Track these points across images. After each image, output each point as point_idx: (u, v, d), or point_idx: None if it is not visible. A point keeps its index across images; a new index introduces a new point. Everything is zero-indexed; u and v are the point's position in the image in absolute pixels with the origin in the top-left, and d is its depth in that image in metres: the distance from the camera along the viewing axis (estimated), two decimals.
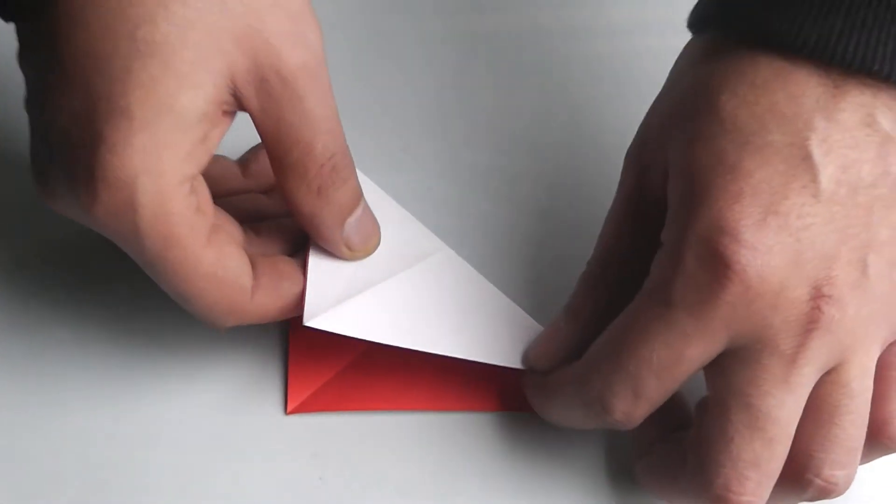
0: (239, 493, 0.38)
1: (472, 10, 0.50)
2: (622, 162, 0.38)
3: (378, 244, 0.40)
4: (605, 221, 0.39)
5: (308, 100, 0.35)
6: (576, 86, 0.48)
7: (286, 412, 0.40)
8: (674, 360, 0.34)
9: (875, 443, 0.35)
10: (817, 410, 0.34)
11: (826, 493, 0.35)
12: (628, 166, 0.38)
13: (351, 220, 0.38)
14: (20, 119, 0.36)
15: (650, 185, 0.37)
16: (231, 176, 0.42)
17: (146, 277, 0.39)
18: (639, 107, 0.38)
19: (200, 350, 0.41)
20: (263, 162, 0.41)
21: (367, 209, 0.39)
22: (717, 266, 0.33)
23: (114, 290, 0.41)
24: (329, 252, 0.40)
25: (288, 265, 0.39)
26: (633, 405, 0.35)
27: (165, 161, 0.33)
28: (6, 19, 0.34)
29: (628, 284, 0.36)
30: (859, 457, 0.35)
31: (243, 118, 0.35)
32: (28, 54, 0.34)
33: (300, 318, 0.39)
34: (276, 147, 0.36)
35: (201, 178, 0.35)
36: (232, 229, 0.38)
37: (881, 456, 0.36)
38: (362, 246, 0.39)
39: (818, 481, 0.34)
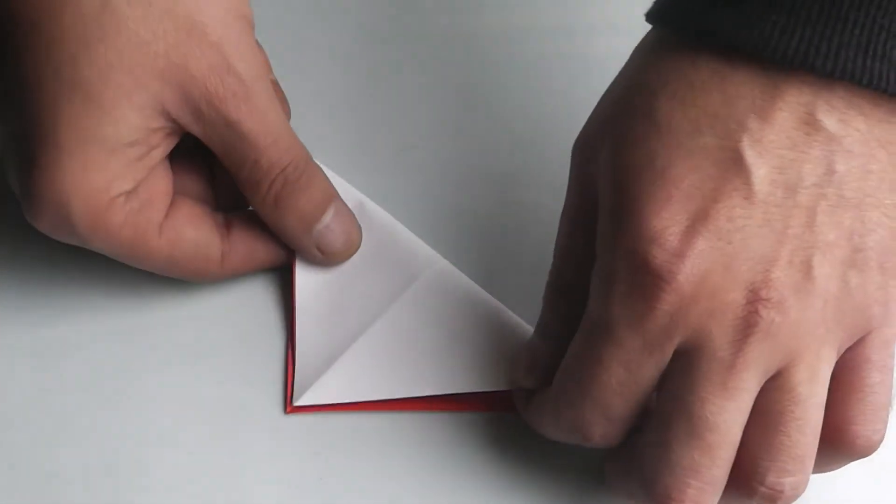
0: (239, 493, 0.38)
1: (474, 9, 0.50)
2: None
3: (358, 246, 0.41)
4: (559, 222, 0.38)
5: (244, 122, 0.38)
6: (579, 85, 0.48)
7: (286, 411, 0.40)
8: (632, 378, 0.34)
9: (835, 449, 0.34)
10: (762, 416, 0.34)
11: (773, 501, 0.34)
12: (573, 160, 0.37)
13: (319, 227, 0.40)
14: None
15: (590, 183, 0.36)
16: None
17: (145, 275, 0.40)
18: None
19: (201, 349, 0.41)
20: None
21: (342, 213, 0.41)
22: (648, 278, 0.33)
23: (113, 289, 0.41)
24: (314, 312, 0.41)
25: (261, 224, 0.41)
26: (607, 427, 0.35)
27: (93, 183, 0.36)
28: None
29: (587, 289, 0.35)
30: (809, 464, 0.34)
31: None
32: None
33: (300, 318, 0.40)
34: (227, 165, 0.39)
35: (153, 173, 0.38)
36: (197, 206, 0.40)
37: (847, 462, 0.35)
38: (338, 249, 0.41)
39: (763, 489, 0.34)
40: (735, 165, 0.32)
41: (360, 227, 0.41)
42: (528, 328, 0.40)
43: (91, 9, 0.35)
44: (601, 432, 0.35)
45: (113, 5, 0.35)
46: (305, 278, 0.41)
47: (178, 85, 0.37)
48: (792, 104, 0.32)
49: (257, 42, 0.40)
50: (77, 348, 0.41)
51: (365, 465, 0.39)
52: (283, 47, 0.48)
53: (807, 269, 0.33)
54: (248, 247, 0.41)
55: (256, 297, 0.42)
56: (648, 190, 0.33)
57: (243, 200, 0.40)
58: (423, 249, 0.42)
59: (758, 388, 0.33)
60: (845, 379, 0.34)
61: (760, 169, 0.32)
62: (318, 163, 0.43)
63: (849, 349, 0.34)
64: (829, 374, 0.34)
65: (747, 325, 0.33)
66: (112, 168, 0.36)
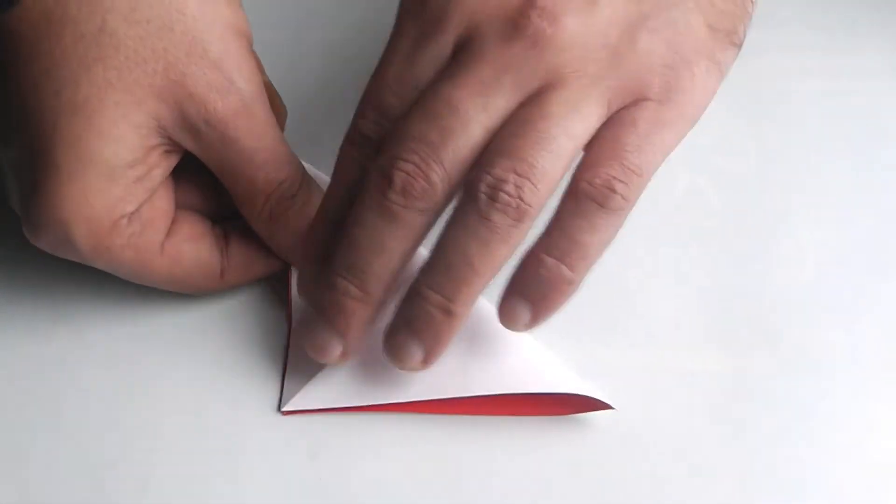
0: (238, 493, 0.38)
1: None
2: None
3: None
4: None
5: (241, 141, 0.38)
6: None
7: (281, 412, 0.40)
8: (409, 71, 0.35)
9: (574, 196, 0.34)
10: (509, 124, 0.34)
11: (494, 195, 0.33)
12: None
13: None
14: None
15: None
16: None
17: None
18: None
19: (199, 351, 0.41)
20: None
21: None
22: None
23: (112, 290, 0.41)
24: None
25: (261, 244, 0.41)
26: (382, 128, 0.36)
27: (95, 206, 0.36)
28: None
29: None
30: (542, 181, 0.33)
31: None
32: None
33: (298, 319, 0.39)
34: (224, 180, 0.39)
35: (152, 200, 0.38)
36: (199, 223, 0.40)
37: (595, 216, 0.34)
38: None
39: (488, 178, 0.33)
40: None
41: None
42: (534, 340, 0.41)
43: (90, 29, 0.36)
44: (378, 133, 0.35)
45: (111, 25, 0.36)
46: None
47: (176, 103, 0.37)
48: None
49: (252, 50, 0.40)
50: (76, 351, 0.41)
51: (365, 465, 0.39)
52: (280, 47, 0.48)
53: (591, 3, 0.34)
54: (246, 260, 0.41)
55: (255, 299, 0.42)
56: None
57: None
58: (419, 254, 0.42)
59: (515, 100, 0.34)
60: (604, 133, 0.35)
61: None
62: (313, 166, 0.43)
63: (617, 111, 0.35)
64: (592, 122, 0.34)
65: (516, 28, 0.34)
66: (113, 192, 0.37)
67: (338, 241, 0.36)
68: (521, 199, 0.33)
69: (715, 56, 0.36)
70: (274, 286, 0.42)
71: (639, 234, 0.40)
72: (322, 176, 0.43)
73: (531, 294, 0.36)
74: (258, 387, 0.40)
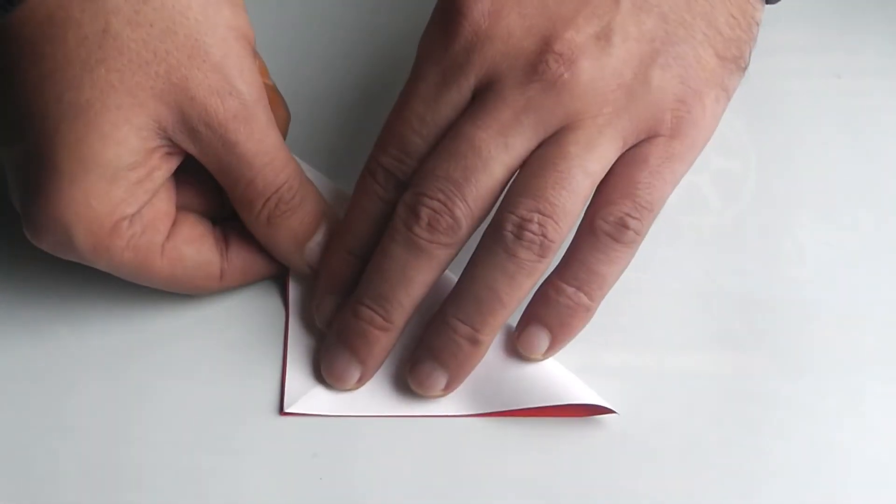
0: (239, 493, 0.38)
1: None
2: None
3: None
4: None
5: (241, 144, 0.38)
6: None
7: (280, 412, 0.40)
8: (429, 113, 0.38)
9: (591, 231, 0.37)
10: (530, 164, 0.37)
11: (520, 233, 0.36)
12: None
13: (311, 245, 0.40)
14: None
15: None
16: None
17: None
18: None
19: (201, 350, 0.41)
20: None
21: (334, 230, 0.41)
22: (449, 14, 0.37)
23: (112, 290, 0.41)
24: (310, 321, 0.41)
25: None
26: (406, 164, 0.38)
27: (96, 209, 0.36)
28: None
29: None
30: (563, 218, 0.36)
31: None
32: None
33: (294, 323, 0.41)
34: (223, 182, 0.39)
35: (153, 202, 0.38)
36: (199, 224, 0.40)
37: (613, 250, 0.37)
38: None
39: (513, 217, 0.36)
40: None
41: None
42: None
43: (93, 31, 0.36)
44: (401, 169, 0.38)
45: (115, 28, 0.36)
46: (300, 286, 0.41)
47: (177, 106, 0.37)
48: None
49: (256, 52, 0.40)
50: (76, 351, 0.41)
51: (365, 465, 0.39)
52: (282, 50, 0.48)
53: (605, 45, 0.36)
54: (245, 261, 0.41)
55: (255, 300, 0.42)
56: None
57: None
58: None
59: (535, 140, 0.37)
60: (618, 171, 0.37)
61: None
62: (314, 168, 0.43)
63: (631, 148, 0.37)
64: (608, 159, 0.37)
65: (534, 72, 0.36)
66: (115, 194, 0.37)
67: (363, 272, 0.39)
68: (545, 237, 0.36)
69: (724, 83, 0.38)
70: (273, 287, 0.42)
71: None
72: (323, 178, 0.43)
73: (551, 321, 0.38)
74: (258, 387, 0.40)
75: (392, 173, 0.39)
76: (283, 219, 0.39)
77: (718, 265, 0.43)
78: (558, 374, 0.40)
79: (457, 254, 0.38)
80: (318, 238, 0.40)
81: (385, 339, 0.39)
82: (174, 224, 0.39)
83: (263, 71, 0.40)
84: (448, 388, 0.39)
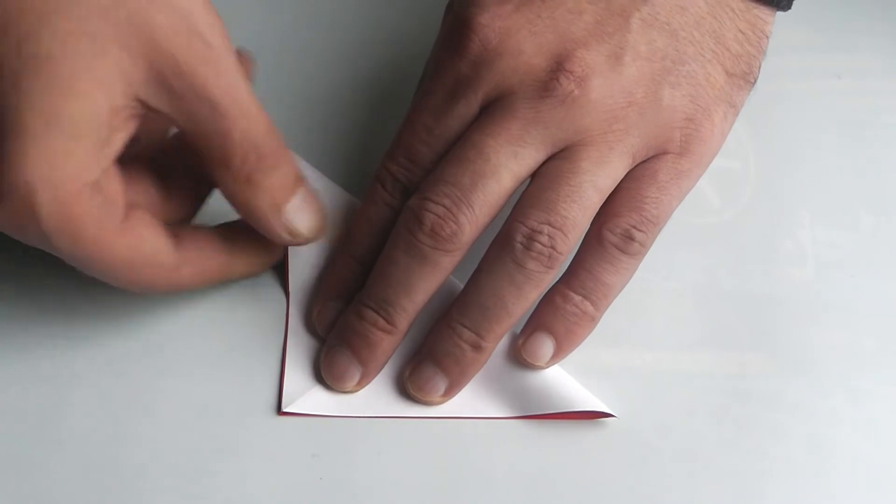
0: (239, 493, 0.38)
1: None
2: None
3: (325, 229, 0.40)
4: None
5: (213, 91, 0.35)
6: None
7: (278, 412, 0.40)
8: (438, 125, 0.38)
9: (599, 241, 0.38)
10: (540, 177, 0.37)
11: (530, 245, 0.37)
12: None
13: (289, 207, 0.38)
14: None
15: None
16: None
17: None
18: None
19: (201, 350, 0.41)
20: None
21: (311, 194, 0.39)
22: (458, 29, 0.38)
23: (111, 291, 0.41)
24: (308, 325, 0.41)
25: (213, 236, 0.39)
26: (412, 173, 0.39)
27: (61, 171, 0.34)
28: None
29: None
30: (572, 230, 0.37)
31: None
32: None
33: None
34: (196, 142, 0.36)
35: (111, 171, 0.35)
36: (147, 214, 0.37)
37: (620, 262, 0.38)
38: (307, 231, 0.39)
39: (524, 228, 0.37)
40: None
41: (326, 212, 0.40)
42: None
43: None
44: (408, 177, 0.39)
45: None
46: (300, 285, 0.41)
47: (143, 54, 0.34)
48: None
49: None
50: (75, 354, 0.41)
51: (365, 465, 0.39)
52: (282, 51, 0.48)
53: (615, 63, 0.37)
54: (200, 259, 0.39)
55: (254, 300, 0.42)
56: None
57: (193, 213, 0.39)
58: None
59: (543, 153, 0.37)
60: (626, 185, 0.38)
61: None
62: (315, 168, 0.43)
63: (640, 163, 0.38)
64: (617, 175, 0.38)
65: (546, 89, 0.37)
66: (77, 155, 0.34)
67: (368, 276, 0.39)
68: (554, 248, 0.37)
69: (732, 100, 0.39)
70: (273, 287, 0.42)
71: None
72: (323, 178, 0.43)
73: (557, 328, 0.38)
74: (257, 387, 0.40)
75: (399, 181, 0.39)
76: (262, 176, 0.37)
77: (718, 265, 0.43)
78: (559, 380, 0.40)
79: (461, 259, 0.38)
80: (297, 201, 0.38)
81: (387, 342, 0.39)
82: (128, 210, 0.37)
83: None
84: (447, 394, 0.39)
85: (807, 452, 0.39)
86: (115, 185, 0.36)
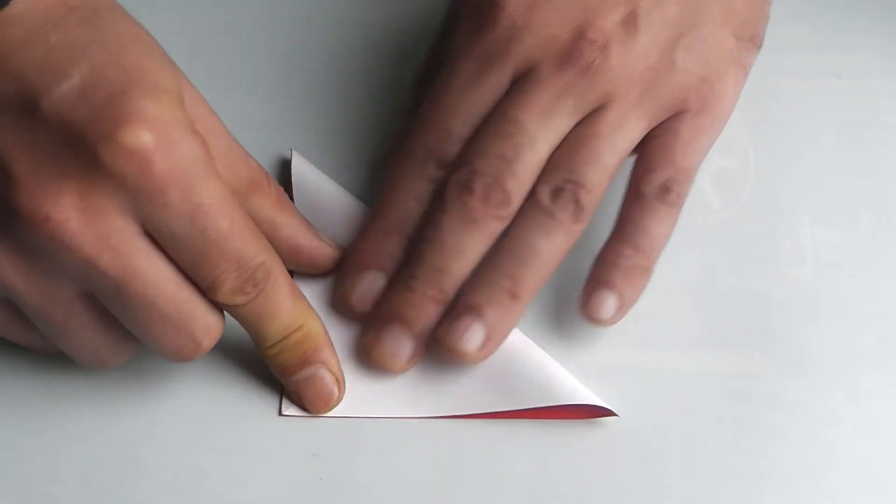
0: (239, 493, 0.38)
1: None
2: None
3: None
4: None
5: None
6: None
7: (280, 413, 0.40)
8: (467, 98, 0.40)
9: (639, 197, 0.40)
10: (565, 143, 0.39)
11: (557, 198, 0.38)
12: None
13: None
14: None
15: None
16: None
17: None
18: None
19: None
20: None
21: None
22: (487, 5, 0.40)
23: None
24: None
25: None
26: (450, 147, 0.40)
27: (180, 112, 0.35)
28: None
29: None
30: (594, 192, 0.39)
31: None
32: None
33: None
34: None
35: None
36: None
37: (659, 213, 0.39)
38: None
39: (548, 187, 0.39)
40: None
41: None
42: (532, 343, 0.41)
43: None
44: (442, 150, 0.40)
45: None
46: (305, 290, 0.41)
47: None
48: None
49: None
50: None
51: (365, 465, 0.39)
52: (282, 52, 0.48)
53: (632, 30, 0.39)
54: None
55: None
56: None
57: None
58: None
59: (573, 120, 0.39)
60: (652, 144, 0.40)
61: None
62: (316, 168, 0.43)
63: (661, 123, 0.40)
64: (634, 138, 0.40)
65: (570, 58, 0.39)
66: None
67: (403, 250, 0.40)
68: (578, 201, 0.39)
69: (742, 61, 0.41)
70: None
71: None
72: (324, 178, 0.43)
73: (615, 282, 0.40)
74: (258, 388, 0.40)
75: (433, 154, 0.40)
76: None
77: (718, 264, 0.43)
78: (559, 375, 0.40)
79: (504, 228, 0.39)
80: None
81: (437, 312, 0.40)
82: None
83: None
84: (485, 347, 0.39)
85: (806, 452, 0.39)
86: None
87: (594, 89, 0.39)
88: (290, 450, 0.39)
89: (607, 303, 0.40)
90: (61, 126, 0.33)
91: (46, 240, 0.33)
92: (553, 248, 0.39)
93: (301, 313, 0.38)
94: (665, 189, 0.40)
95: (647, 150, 0.40)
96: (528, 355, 0.40)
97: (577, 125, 0.39)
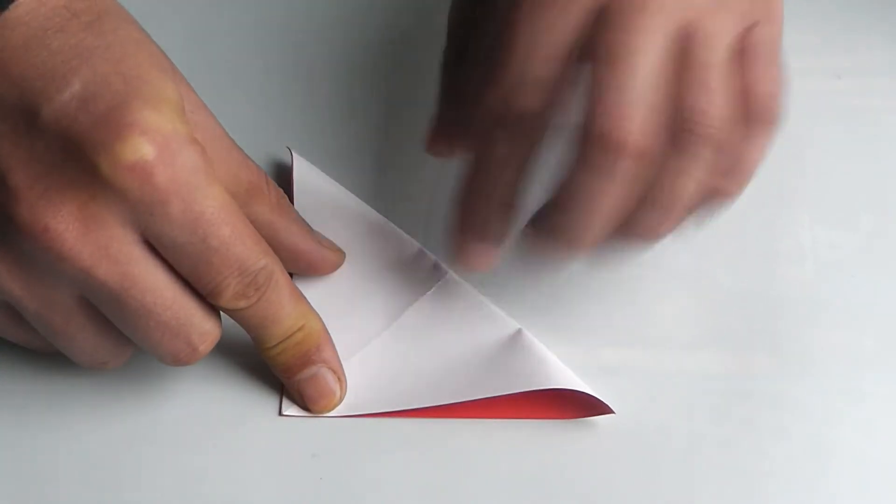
0: (239, 493, 0.38)
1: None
2: None
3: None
4: None
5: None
6: None
7: (280, 413, 0.40)
8: (551, 40, 0.36)
9: (749, 111, 0.37)
10: (680, 61, 0.36)
11: (694, 127, 0.35)
12: None
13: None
14: None
15: None
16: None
17: None
18: None
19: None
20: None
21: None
22: None
23: None
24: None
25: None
26: (535, 94, 0.36)
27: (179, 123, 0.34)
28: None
29: None
30: (723, 106, 0.36)
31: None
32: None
33: None
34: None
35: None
36: None
37: (762, 129, 0.38)
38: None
39: (686, 112, 0.35)
40: None
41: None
42: (531, 338, 0.41)
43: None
44: (529, 102, 0.36)
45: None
46: (305, 291, 0.41)
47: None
48: None
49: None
50: None
51: (365, 465, 0.39)
52: (283, 51, 0.48)
53: None
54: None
55: None
56: None
57: None
58: (428, 264, 0.42)
59: (670, 37, 0.35)
60: (743, 56, 0.37)
61: None
62: (316, 168, 0.43)
63: (741, 35, 0.37)
64: (729, 42, 0.37)
65: None
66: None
67: (506, 219, 0.38)
68: (716, 122, 0.36)
69: None
70: None
71: None
72: (325, 177, 0.43)
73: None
74: (258, 388, 0.40)
75: (523, 113, 0.37)
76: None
77: (718, 265, 0.43)
78: (558, 366, 0.40)
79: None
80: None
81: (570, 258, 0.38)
82: None
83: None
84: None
85: (807, 452, 0.39)
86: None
87: (680, 7, 0.36)
88: (290, 450, 0.39)
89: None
90: (61, 136, 0.33)
91: (45, 249, 0.33)
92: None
93: (302, 314, 0.38)
94: (771, 106, 0.39)
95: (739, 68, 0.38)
96: (530, 346, 0.40)
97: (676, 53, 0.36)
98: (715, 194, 0.37)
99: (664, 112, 0.35)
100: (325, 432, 0.40)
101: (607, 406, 0.39)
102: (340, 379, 0.40)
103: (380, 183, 0.45)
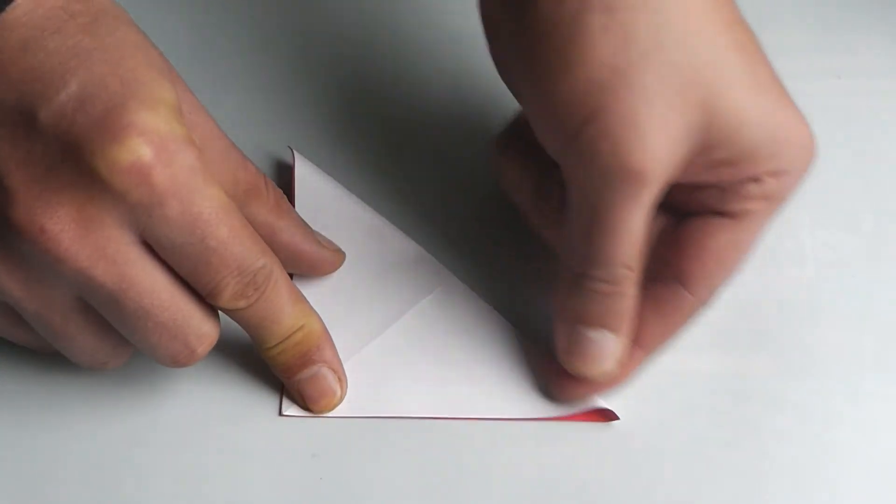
0: (239, 493, 0.38)
1: (471, 10, 0.50)
2: None
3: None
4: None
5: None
6: None
7: (280, 413, 0.40)
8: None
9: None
10: None
11: None
12: None
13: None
14: None
15: None
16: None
17: None
18: None
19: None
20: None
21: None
22: None
23: None
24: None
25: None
26: None
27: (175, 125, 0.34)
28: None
29: None
30: None
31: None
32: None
33: None
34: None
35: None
36: None
37: None
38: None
39: None
40: None
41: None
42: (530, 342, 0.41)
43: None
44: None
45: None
46: (305, 291, 0.41)
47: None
48: None
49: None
50: None
51: (365, 465, 0.39)
52: (283, 51, 0.48)
53: None
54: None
55: None
56: None
57: None
58: (430, 267, 0.42)
59: None
60: None
61: None
62: (317, 167, 0.43)
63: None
64: None
65: None
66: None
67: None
68: None
69: None
70: None
71: None
72: (325, 177, 0.43)
73: None
74: (258, 388, 0.40)
75: None
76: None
77: None
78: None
79: None
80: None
81: None
82: None
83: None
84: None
85: (807, 453, 0.39)
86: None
87: None
88: (290, 450, 0.39)
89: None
90: (58, 137, 0.33)
91: (42, 251, 0.33)
92: None
93: (302, 314, 0.38)
94: None
95: None
96: (530, 354, 0.40)
97: None
98: None
99: None
100: (325, 432, 0.40)
101: (613, 413, 0.39)
102: (341, 379, 0.40)
103: (381, 183, 0.44)
